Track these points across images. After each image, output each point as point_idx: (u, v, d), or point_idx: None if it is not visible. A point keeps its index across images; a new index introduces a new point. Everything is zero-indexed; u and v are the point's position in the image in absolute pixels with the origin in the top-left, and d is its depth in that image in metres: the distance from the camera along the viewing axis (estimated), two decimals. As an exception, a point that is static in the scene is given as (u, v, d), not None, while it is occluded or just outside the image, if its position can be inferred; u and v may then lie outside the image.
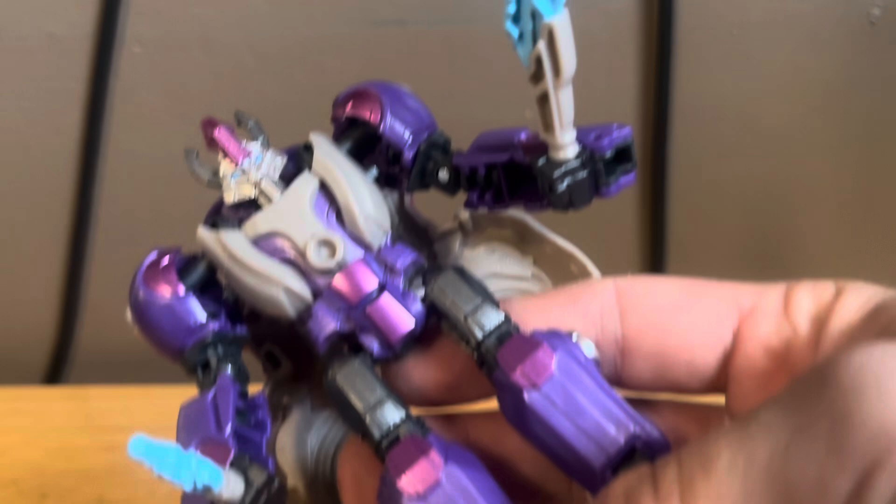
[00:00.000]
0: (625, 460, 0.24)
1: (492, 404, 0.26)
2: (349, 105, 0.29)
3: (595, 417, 0.24)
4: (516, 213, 0.30)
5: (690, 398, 0.27)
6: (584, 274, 0.30)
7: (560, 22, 0.24)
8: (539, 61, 0.24)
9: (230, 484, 0.23)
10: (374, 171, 0.29)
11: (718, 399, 0.26)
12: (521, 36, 0.24)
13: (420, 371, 0.27)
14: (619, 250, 0.57)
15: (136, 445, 0.21)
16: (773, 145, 0.55)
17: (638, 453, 0.24)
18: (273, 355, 0.30)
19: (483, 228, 0.31)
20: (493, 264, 0.29)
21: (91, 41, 0.53)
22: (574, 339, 0.25)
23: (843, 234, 0.57)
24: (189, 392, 0.55)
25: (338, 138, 0.29)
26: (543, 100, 0.25)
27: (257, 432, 0.26)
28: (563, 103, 0.25)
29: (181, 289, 0.27)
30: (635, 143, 0.26)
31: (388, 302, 0.26)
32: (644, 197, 0.56)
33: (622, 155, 0.26)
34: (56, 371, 0.59)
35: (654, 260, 0.56)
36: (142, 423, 0.59)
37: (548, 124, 0.25)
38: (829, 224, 0.57)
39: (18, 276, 0.58)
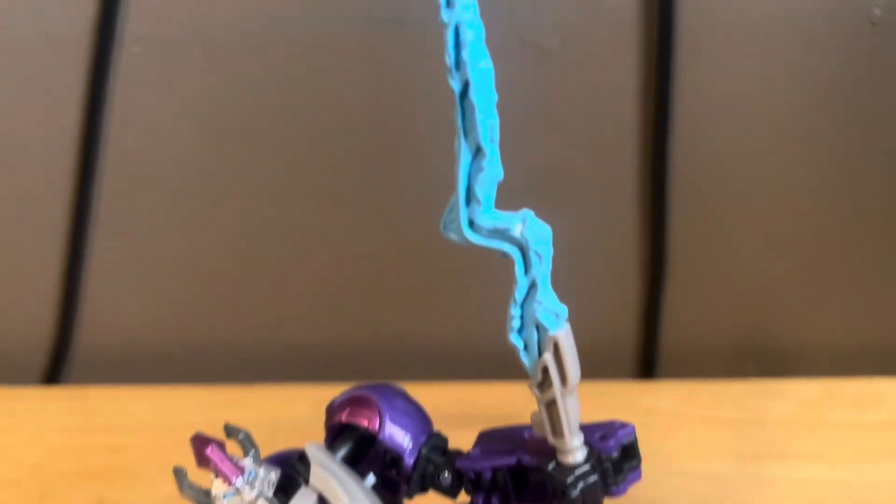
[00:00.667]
0: None
1: None
2: (346, 412, 0.30)
3: None
4: None
5: None
6: None
7: (564, 335, 0.25)
8: (546, 371, 0.26)
9: None
10: (371, 479, 0.29)
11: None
12: (525, 346, 0.26)
13: None
14: (619, 251, 0.57)
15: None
16: (774, 145, 0.55)
17: None
18: None
19: None
20: None
21: (90, 41, 0.52)
22: None
23: (844, 232, 0.57)
24: (189, 392, 0.54)
25: (332, 443, 0.30)
26: (551, 406, 0.26)
27: None
28: (571, 409, 0.26)
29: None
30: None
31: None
32: (644, 197, 0.55)
33: (627, 451, 0.27)
34: (55, 371, 0.59)
35: (655, 261, 0.56)
36: (141, 424, 0.59)
37: (556, 429, 0.26)
38: (830, 224, 0.57)
39: (17, 276, 0.58)
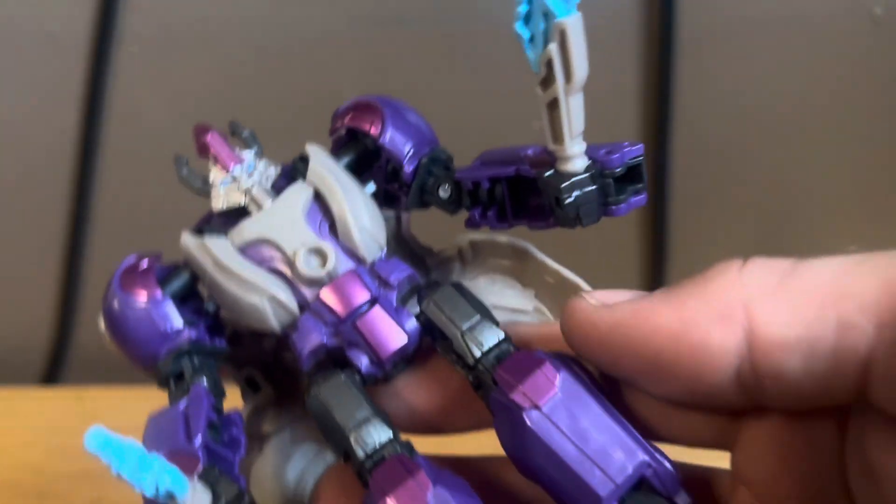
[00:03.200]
0: (633, 490, 0.22)
1: (486, 442, 0.24)
2: (349, 116, 0.28)
3: (601, 442, 0.22)
4: (518, 241, 0.29)
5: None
6: None
7: (573, 22, 0.22)
8: (550, 65, 0.23)
9: (196, 495, 0.21)
10: (371, 186, 0.28)
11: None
12: (531, 38, 0.23)
13: (411, 392, 0.26)
14: (619, 252, 0.57)
15: (94, 439, 0.19)
16: (775, 145, 0.55)
17: (647, 484, 0.22)
18: (253, 380, 0.29)
19: (483, 257, 0.29)
20: (492, 296, 0.28)
21: (88, 40, 0.52)
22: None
23: (846, 233, 0.57)
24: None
25: (336, 152, 0.28)
26: (553, 106, 0.24)
27: (230, 450, 0.24)
28: (574, 111, 0.24)
29: (158, 293, 0.26)
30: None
31: (379, 316, 0.25)
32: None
33: (632, 173, 0.25)
34: (54, 371, 0.59)
35: (655, 261, 0.56)
36: (140, 424, 0.59)
37: (556, 133, 0.24)
38: (832, 223, 0.57)
39: (16, 276, 0.58)
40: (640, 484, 0.22)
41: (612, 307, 0.23)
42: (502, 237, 0.29)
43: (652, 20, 0.52)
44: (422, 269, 0.29)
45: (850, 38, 0.52)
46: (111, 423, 0.59)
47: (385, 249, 0.26)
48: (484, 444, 0.26)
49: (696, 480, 0.25)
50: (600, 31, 0.53)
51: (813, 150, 0.55)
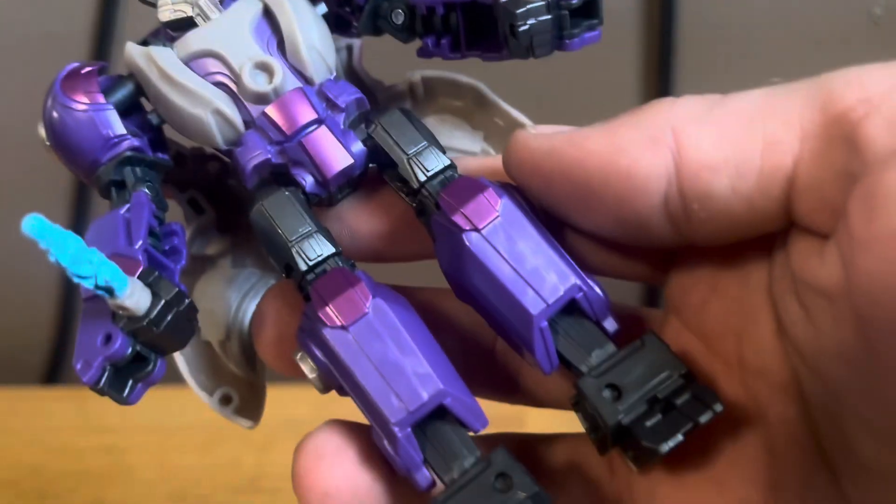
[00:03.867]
0: (563, 314, 0.23)
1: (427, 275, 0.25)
2: None
3: (536, 264, 0.23)
4: (472, 80, 0.28)
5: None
6: None
7: None
8: None
9: (135, 294, 0.21)
10: (323, 8, 0.26)
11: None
12: None
13: (354, 217, 0.26)
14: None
15: (34, 225, 0.19)
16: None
17: (578, 307, 0.23)
18: (196, 202, 0.28)
19: (435, 96, 0.29)
20: (441, 136, 0.27)
21: (88, 40, 0.52)
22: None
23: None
24: (188, 393, 0.55)
25: None
26: None
27: (171, 258, 0.24)
28: None
29: (100, 97, 0.26)
30: None
31: (325, 136, 0.24)
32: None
33: (589, 7, 0.25)
34: (54, 371, 0.59)
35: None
36: (140, 424, 0.59)
37: None
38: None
39: (16, 276, 0.58)
40: (571, 308, 0.23)
41: (548, 136, 0.24)
42: (456, 75, 0.29)
43: (652, 20, 0.52)
44: (372, 102, 0.29)
45: (851, 38, 0.52)
46: (110, 424, 0.59)
47: (334, 73, 0.26)
48: (424, 277, 0.26)
49: (629, 317, 0.25)
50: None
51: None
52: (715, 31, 0.53)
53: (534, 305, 0.23)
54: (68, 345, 0.59)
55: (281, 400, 0.54)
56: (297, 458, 0.25)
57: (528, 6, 0.24)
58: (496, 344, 0.27)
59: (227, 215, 0.29)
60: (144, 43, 0.27)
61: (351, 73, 0.29)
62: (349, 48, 0.29)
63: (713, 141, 0.22)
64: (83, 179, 0.26)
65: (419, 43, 0.27)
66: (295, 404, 0.53)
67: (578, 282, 0.23)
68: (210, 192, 0.29)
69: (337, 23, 0.27)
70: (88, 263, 0.20)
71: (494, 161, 0.26)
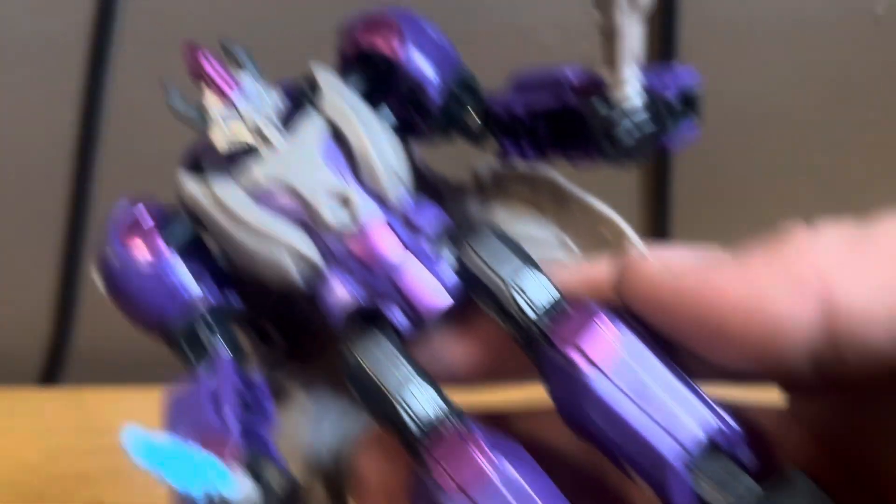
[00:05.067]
0: (704, 458, 0.21)
1: (530, 394, 0.23)
2: (360, 33, 0.25)
3: (668, 405, 0.21)
4: (542, 169, 0.26)
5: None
6: (619, 239, 0.26)
7: None
8: None
9: (244, 490, 0.19)
10: (388, 115, 0.25)
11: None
12: None
13: (449, 350, 0.24)
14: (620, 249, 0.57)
15: (133, 443, 0.17)
16: (776, 144, 0.55)
17: (720, 451, 0.21)
18: (265, 332, 0.26)
19: (503, 186, 0.27)
20: (513, 226, 0.25)
21: (87, 40, 0.52)
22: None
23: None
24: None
25: (344, 74, 0.25)
26: (609, 31, 0.22)
27: (262, 423, 0.22)
28: (633, 37, 0.22)
29: (164, 250, 0.23)
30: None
31: (416, 270, 0.22)
32: (645, 197, 0.55)
33: (686, 99, 0.23)
34: (52, 372, 0.59)
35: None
36: (140, 425, 0.59)
37: (612, 60, 0.22)
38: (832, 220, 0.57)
39: (14, 276, 0.58)
40: (711, 450, 0.21)
41: (675, 272, 0.21)
42: (523, 165, 0.27)
43: (652, 20, 0.52)
44: (436, 199, 0.27)
45: (851, 37, 0.52)
46: (109, 425, 0.59)
47: (409, 188, 0.24)
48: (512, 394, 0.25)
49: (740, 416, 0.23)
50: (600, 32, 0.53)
51: (813, 149, 0.55)
52: (715, 30, 0.52)
53: (672, 453, 0.20)
54: (67, 345, 0.59)
55: (280, 400, 0.54)
56: None
57: (627, 108, 0.22)
58: (611, 474, 0.25)
59: (298, 343, 0.27)
60: (197, 167, 0.24)
61: (413, 167, 0.26)
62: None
63: (868, 288, 0.20)
64: (145, 332, 0.24)
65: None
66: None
67: (718, 423, 0.21)
68: (274, 314, 0.26)
69: (402, 127, 0.25)
70: (197, 475, 0.18)
71: (593, 273, 0.24)
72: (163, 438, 0.18)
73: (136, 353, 0.61)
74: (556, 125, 0.24)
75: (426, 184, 0.27)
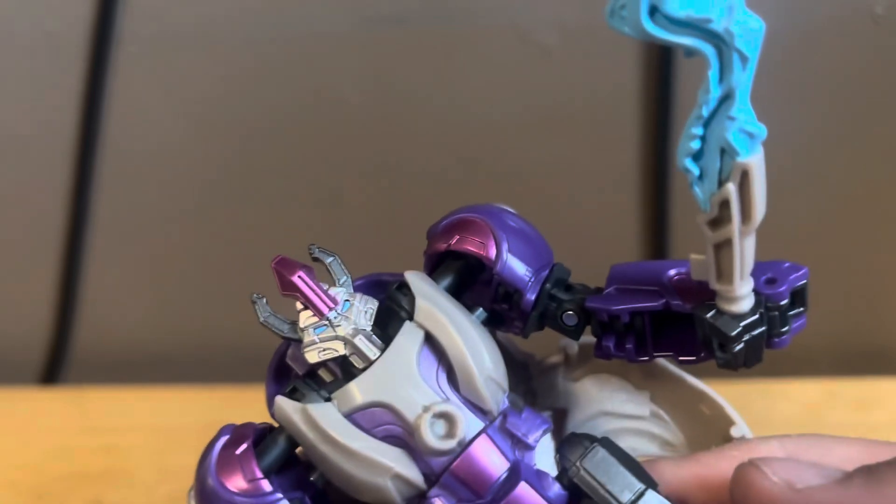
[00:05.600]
0: None
1: None
2: (455, 239, 0.25)
3: None
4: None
5: None
6: (718, 417, 0.26)
7: (757, 162, 0.20)
8: (725, 204, 0.21)
9: None
10: (480, 313, 0.25)
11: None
12: (701, 174, 0.21)
13: None
14: (619, 250, 0.57)
15: None
16: (775, 144, 0.55)
17: None
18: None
19: (589, 357, 0.27)
20: (602, 401, 0.26)
21: (87, 40, 0.52)
22: None
23: (844, 231, 0.57)
24: (188, 393, 0.54)
25: (431, 271, 0.25)
26: (722, 247, 0.22)
27: None
28: (747, 252, 0.22)
29: (263, 484, 0.23)
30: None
31: (524, 493, 0.22)
32: (645, 197, 0.55)
33: (794, 296, 0.23)
34: (53, 372, 0.59)
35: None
36: (139, 425, 0.59)
37: (725, 274, 0.22)
38: (832, 223, 0.57)
39: (15, 276, 0.58)
40: None
41: (800, 493, 0.20)
42: None
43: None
44: (522, 377, 0.27)
45: (851, 37, 0.52)
46: (109, 424, 0.59)
47: (507, 392, 0.24)
48: None
49: None
50: (601, 29, 0.53)
51: (812, 149, 0.55)
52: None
53: None
54: (68, 346, 0.59)
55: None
56: None
57: (743, 323, 0.22)
58: None
59: None
60: (294, 391, 0.24)
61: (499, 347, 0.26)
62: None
63: None
64: None
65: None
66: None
67: None
68: (315, 497, 0.26)
69: (492, 317, 0.25)
70: None
71: (704, 470, 0.23)
72: None
73: (135, 353, 0.61)
74: (658, 324, 0.24)
75: (513, 362, 0.26)
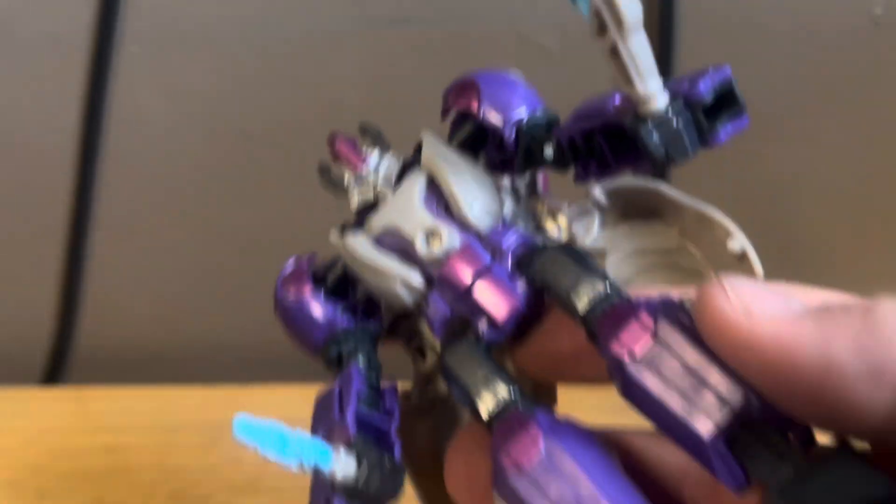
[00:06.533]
0: (738, 431, 0.22)
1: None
2: (451, 99, 0.30)
3: (699, 384, 0.22)
4: (648, 182, 0.29)
5: None
6: (727, 238, 0.29)
7: None
8: (599, 14, 0.23)
9: (342, 463, 0.23)
10: (483, 159, 0.29)
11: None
12: None
13: (533, 346, 0.27)
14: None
15: (240, 426, 0.21)
16: (774, 145, 0.55)
17: (754, 424, 0.22)
18: (422, 349, 0.31)
19: (620, 202, 0.30)
20: (635, 240, 0.29)
21: (89, 40, 0.52)
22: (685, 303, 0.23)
23: (844, 233, 0.57)
24: (189, 392, 0.55)
25: (452, 133, 0.30)
26: (614, 53, 0.24)
27: (383, 419, 0.26)
28: (636, 52, 0.24)
29: (309, 291, 0.29)
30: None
31: (490, 285, 0.26)
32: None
33: (726, 99, 0.25)
34: (55, 371, 0.59)
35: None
36: (141, 424, 0.59)
37: (625, 78, 0.24)
38: (831, 224, 0.57)
39: (17, 276, 0.58)
40: (745, 425, 0.22)
41: (752, 320, 0.21)
42: (630, 180, 0.30)
43: (651, 19, 0.52)
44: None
45: (850, 38, 0.52)
46: (111, 424, 0.59)
47: (503, 219, 0.28)
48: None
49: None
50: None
51: (812, 148, 0.55)
52: (714, 30, 0.53)
53: (705, 427, 0.22)
54: (70, 345, 0.59)
55: (281, 399, 0.54)
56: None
57: (653, 121, 0.24)
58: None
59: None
60: (343, 227, 0.30)
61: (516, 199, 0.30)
62: (532, 183, 0.30)
63: None
64: (311, 358, 0.30)
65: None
66: (295, 404, 0.53)
67: (749, 398, 0.22)
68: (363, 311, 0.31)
69: (502, 166, 0.29)
70: (292, 449, 0.22)
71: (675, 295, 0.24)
72: (265, 422, 0.21)
73: (137, 353, 0.61)
74: (615, 143, 0.26)
75: (552, 213, 0.30)
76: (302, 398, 0.58)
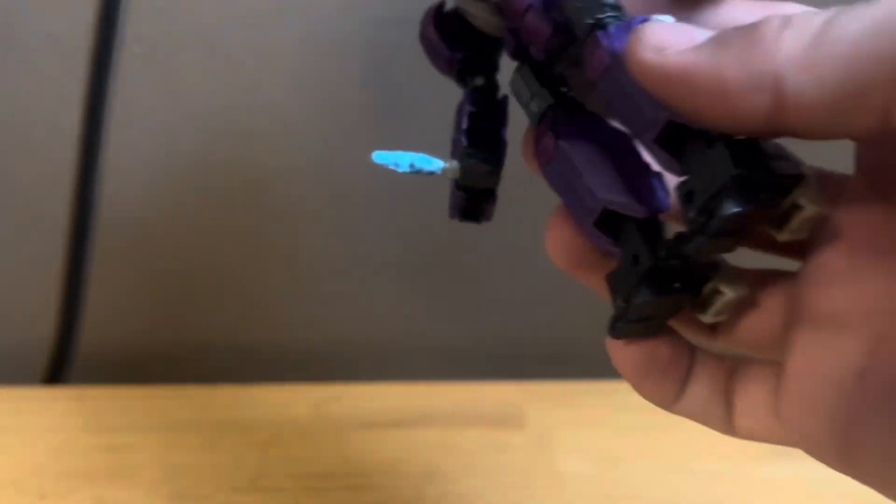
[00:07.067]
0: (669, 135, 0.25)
1: None
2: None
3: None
4: None
5: None
6: None
7: None
8: None
9: (451, 169, 0.32)
10: None
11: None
12: None
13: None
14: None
15: (378, 154, 0.31)
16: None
17: (689, 132, 0.25)
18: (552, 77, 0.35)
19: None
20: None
21: (90, 40, 0.52)
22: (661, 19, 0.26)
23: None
24: (189, 392, 0.54)
25: None
26: None
27: (500, 127, 0.32)
28: None
29: (431, 28, 0.34)
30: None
31: (532, 17, 0.29)
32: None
33: None
34: (56, 371, 0.59)
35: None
36: (142, 424, 0.59)
37: None
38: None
39: (18, 276, 0.58)
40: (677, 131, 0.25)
41: (662, 55, 0.24)
42: None
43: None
44: None
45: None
46: (112, 424, 0.59)
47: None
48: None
49: None
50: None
51: (812, 148, 0.55)
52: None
53: (662, 115, 0.25)
54: (72, 345, 0.59)
55: (281, 399, 0.54)
56: None
57: None
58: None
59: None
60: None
61: None
62: None
63: (814, 88, 0.23)
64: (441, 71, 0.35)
65: None
66: (295, 404, 0.53)
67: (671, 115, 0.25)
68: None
69: None
70: (413, 161, 0.31)
71: None
72: (397, 153, 0.30)
73: (139, 353, 0.61)
74: None
75: None
76: (302, 398, 0.58)
